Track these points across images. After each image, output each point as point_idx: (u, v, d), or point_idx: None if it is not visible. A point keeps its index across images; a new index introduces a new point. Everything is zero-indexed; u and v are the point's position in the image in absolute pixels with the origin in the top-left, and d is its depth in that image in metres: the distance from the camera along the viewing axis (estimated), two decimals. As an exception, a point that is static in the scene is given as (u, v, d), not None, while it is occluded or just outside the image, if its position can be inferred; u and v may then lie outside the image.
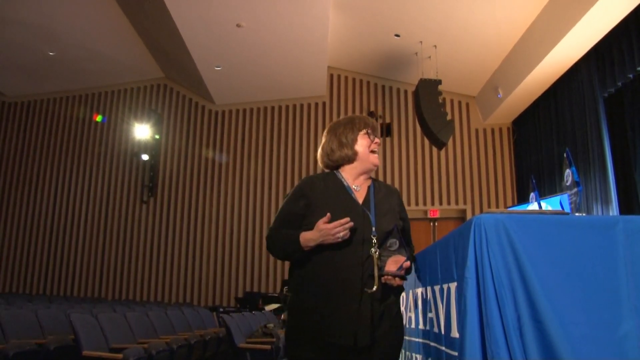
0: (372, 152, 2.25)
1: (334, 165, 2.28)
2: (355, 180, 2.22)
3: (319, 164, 2.37)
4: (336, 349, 1.98)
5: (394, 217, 2.13)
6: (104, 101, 14.11)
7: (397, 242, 2.01)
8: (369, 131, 2.27)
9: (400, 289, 2.12)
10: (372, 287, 1.95)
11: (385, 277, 1.96)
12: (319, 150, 2.35)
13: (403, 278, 1.98)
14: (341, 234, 1.95)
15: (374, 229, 2.04)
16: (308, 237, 2.03)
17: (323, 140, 2.35)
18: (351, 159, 2.23)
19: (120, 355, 4.14)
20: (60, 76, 13.44)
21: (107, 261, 12.95)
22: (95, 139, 13.85)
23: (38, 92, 14.34)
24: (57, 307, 6.46)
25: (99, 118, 13.79)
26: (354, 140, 2.24)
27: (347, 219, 1.96)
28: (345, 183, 2.18)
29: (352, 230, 2.00)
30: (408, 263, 1.95)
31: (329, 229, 1.96)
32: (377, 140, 2.26)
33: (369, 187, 2.22)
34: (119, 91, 14.06)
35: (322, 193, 2.14)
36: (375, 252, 2.00)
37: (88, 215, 13.35)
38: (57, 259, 13.22)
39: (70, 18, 10.75)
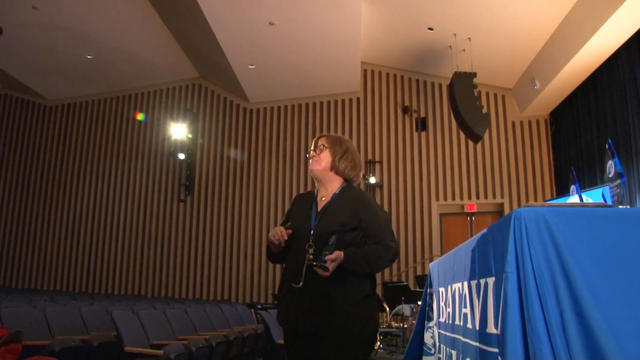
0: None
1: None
2: (322, 191, 2.52)
3: None
4: (292, 335, 2.33)
5: (339, 217, 2.34)
6: (141, 102, 14.36)
7: (335, 239, 2.24)
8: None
9: (349, 282, 2.27)
10: (299, 283, 2.25)
11: (315, 268, 2.18)
12: None
13: (323, 269, 2.16)
14: (275, 237, 2.30)
15: (312, 232, 2.33)
16: None
17: None
18: None
19: (160, 352, 4.21)
20: (98, 79, 13.73)
21: (147, 259, 13.20)
22: (132, 139, 14.12)
23: (77, 94, 14.68)
24: (100, 305, 6.60)
25: (140, 116, 14.03)
26: None
27: (283, 229, 2.34)
28: (316, 196, 2.51)
29: (299, 234, 2.36)
30: (331, 255, 2.16)
31: (270, 234, 2.34)
32: (311, 152, 2.55)
33: (332, 195, 2.47)
34: (154, 92, 14.29)
35: (297, 207, 2.55)
36: (309, 251, 2.28)
37: (127, 215, 13.63)
38: (98, 258, 13.54)
39: (107, 22, 10.96)
